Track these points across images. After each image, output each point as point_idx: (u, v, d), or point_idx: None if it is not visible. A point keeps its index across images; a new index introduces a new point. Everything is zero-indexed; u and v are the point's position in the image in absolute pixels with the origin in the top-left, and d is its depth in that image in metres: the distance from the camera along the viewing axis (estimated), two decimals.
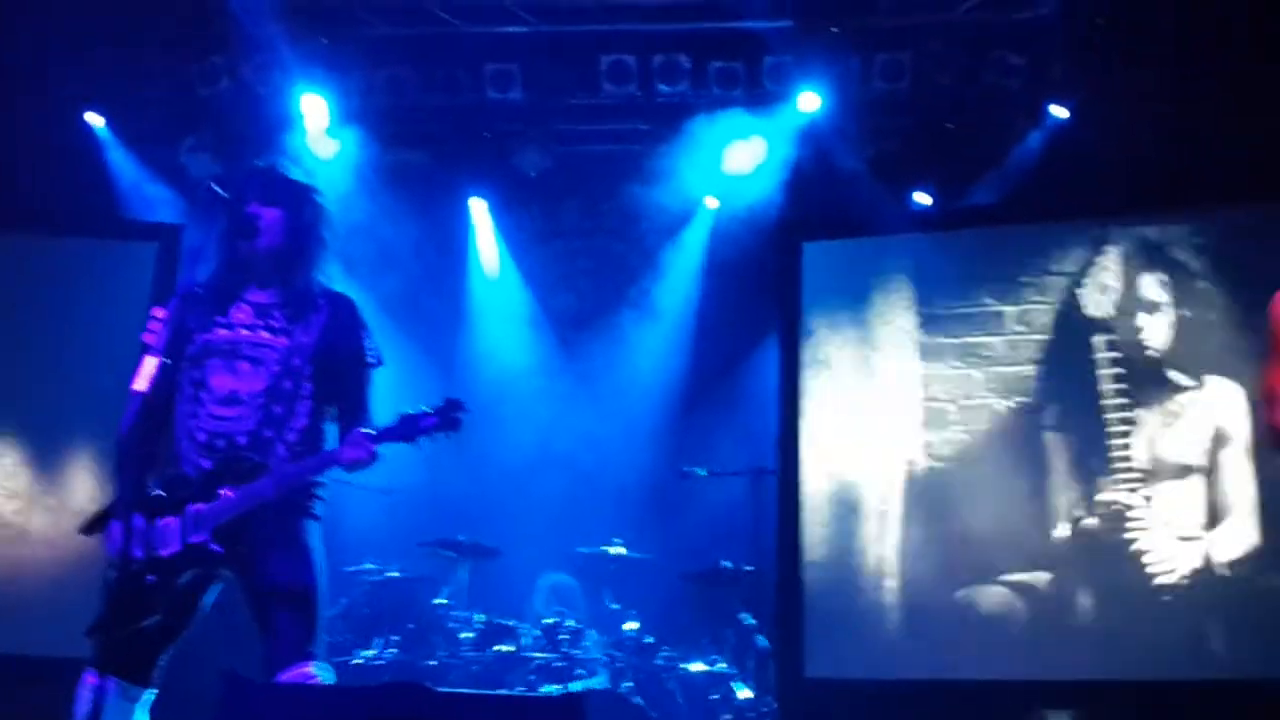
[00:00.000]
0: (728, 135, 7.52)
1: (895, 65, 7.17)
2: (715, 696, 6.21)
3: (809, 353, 7.33)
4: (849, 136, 7.42)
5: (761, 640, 6.54)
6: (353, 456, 3.43)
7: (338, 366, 3.59)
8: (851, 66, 7.19)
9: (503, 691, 5.45)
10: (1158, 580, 6.59)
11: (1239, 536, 6.53)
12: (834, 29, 7.05)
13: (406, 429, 3.44)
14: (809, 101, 7.27)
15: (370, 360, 3.65)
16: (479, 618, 6.30)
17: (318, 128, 7.41)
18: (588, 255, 8.37)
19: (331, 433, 3.60)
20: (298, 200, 3.67)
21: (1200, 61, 6.71)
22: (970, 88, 7.18)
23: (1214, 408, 6.69)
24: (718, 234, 8.01)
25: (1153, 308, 6.93)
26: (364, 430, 3.44)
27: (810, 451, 7.19)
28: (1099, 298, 7.05)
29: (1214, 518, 6.60)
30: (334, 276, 3.74)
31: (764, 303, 7.64)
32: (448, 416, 3.45)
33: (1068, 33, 6.80)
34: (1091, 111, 7.03)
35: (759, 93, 7.32)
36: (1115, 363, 6.92)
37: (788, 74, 7.22)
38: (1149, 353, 6.87)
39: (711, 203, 8.04)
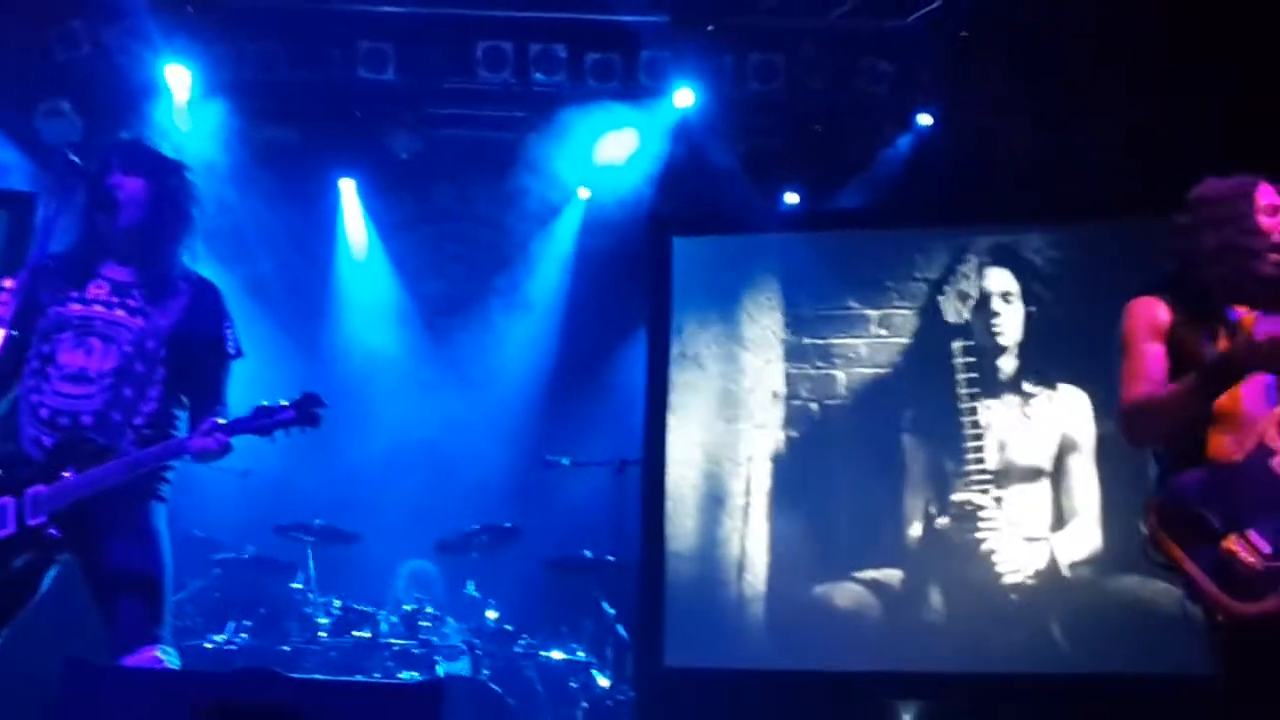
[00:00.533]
0: (602, 127, 7.54)
1: (769, 66, 7.28)
2: (574, 684, 6.24)
3: (677, 347, 7.38)
4: (722, 134, 7.52)
5: (621, 630, 6.58)
6: (202, 446, 3.35)
7: (195, 353, 3.50)
8: (726, 65, 7.28)
9: (359, 678, 5.39)
10: (1005, 579, 6.81)
11: (1083, 539, 6.79)
12: (710, 27, 7.13)
13: (261, 422, 3.38)
14: (684, 97, 7.34)
15: (230, 350, 3.57)
16: (336, 604, 6.22)
17: (182, 100, 7.21)
18: (458, 242, 8.30)
19: (183, 420, 3.51)
20: (162, 175, 3.57)
21: (1062, 74, 6.95)
22: (841, 92, 7.33)
23: (1062, 414, 6.93)
24: (589, 225, 8.03)
25: (1007, 316, 7.15)
26: (216, 420, 3.37)
27: (676, 444, 7.24)
28: (958, 304, 7.24)
29: (1060, 520, 6.85)
30: (199, 256, 3.65)
31: (634, 296, 7.68)
32: (305, 411, 3.39)
33: (935, 43, 6.99)
34: (957, 121, 7.24)
35: (634, 86, 7.36)
36: (970, 368, 7.12)
37: (663, 69, 7.28)
38: (1002, 360, 7.09)
39: (584, 194, 8.06)
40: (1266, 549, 3.36)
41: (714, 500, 7.20)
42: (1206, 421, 3.59)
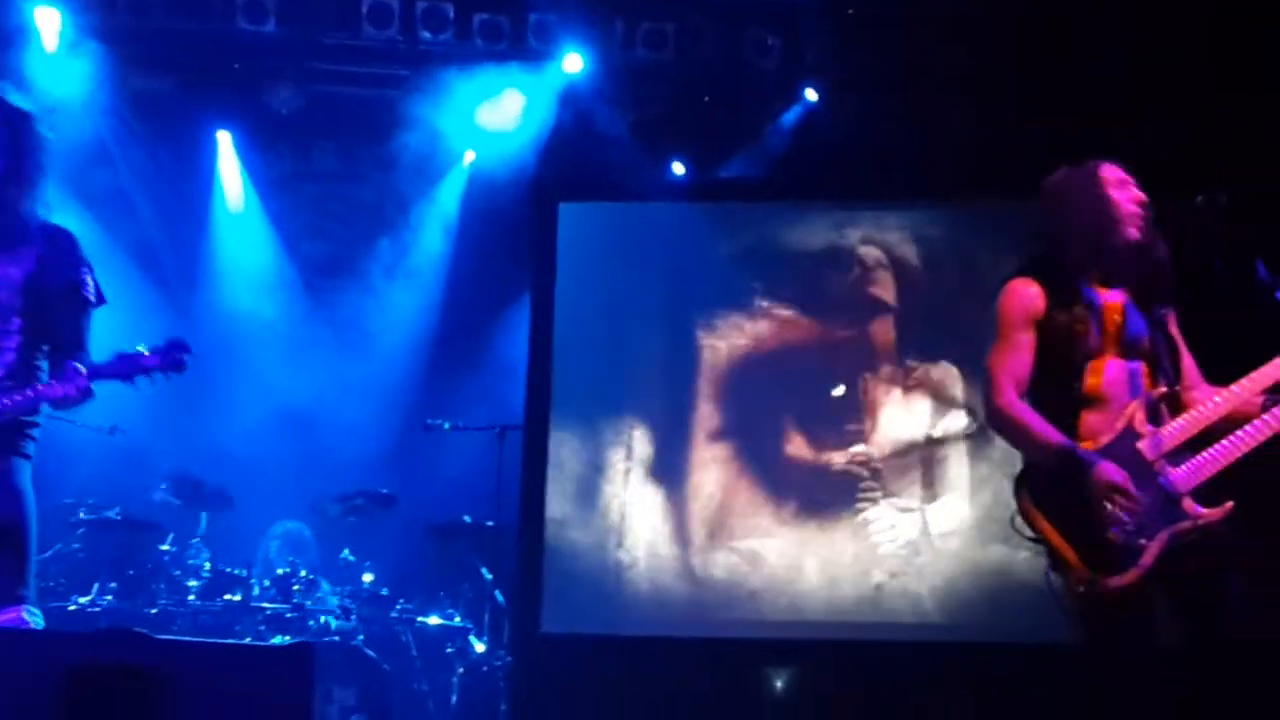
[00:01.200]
0: (489, 89, 7.44)
1: (659, 34, 7.26)
2: (450, 650, 6.22)
3: (561, 312, 7.36)
4: (610, 101, 7.47)
5: (499, 595, 6.57)
6: (62, 392, 3.26)
7: (52, 302, 3.38)
8: (615, 31, 7.25)
9: (228, 641, 5.28)
10: (880, 549, 6.96)
11: (953, 510, 6.97)
12: None
13: (124, 367, 3.29)
14: (572, 62, 7.29)
15: (88, 297, 3.45)
16: (206, 566, 6.09)
17: (51, 45, 6.93)
18: (340, 201, 8.13)
19: (46, 371, 3.40)
20: (15, 125, 3.44)
21: (945, 55, 7.05)
22: (729, 63, 7.35)
23: (938, 388, 7.09)
24: (474, 188, 7.93)
25: (884, 291, 7.28)
26: (76, 366, 3.27)
27: (558, 410, 7.24)
28: (840, 277, 7.34)
29: (932, 492, 7.01)
30: (56, 208, 3.53)
31: (518, 261, 7.63)
32: (170, 357, 3.31)
33: (822, 18, 7.04)
34: (842, 96, 7.31)
35: (522, 49, 7.27)
36: (850, 341, 7.24)
37: (552, 33, 7.22)
38: (877, 334, 7.21)
39: (469, 156, 7.96)
40: (1131, 525, 3.50)
41: (594, 468, 7.22)
42: (1079, 404, 3.73)
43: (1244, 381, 3.70)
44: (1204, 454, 3.59)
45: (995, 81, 6.98)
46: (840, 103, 7.29)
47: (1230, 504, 3.52)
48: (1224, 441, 3.61)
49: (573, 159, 7.54)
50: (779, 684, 6.99)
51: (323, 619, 6.00)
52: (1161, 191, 4.14)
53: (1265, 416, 3.56)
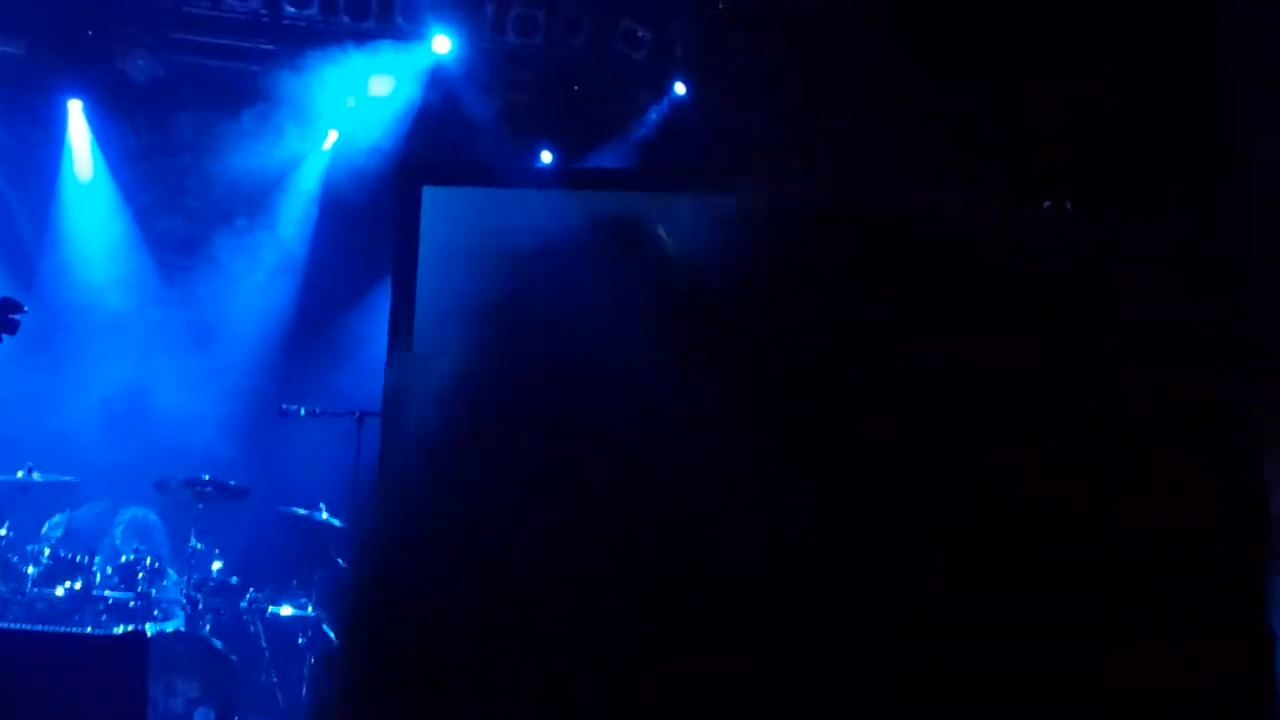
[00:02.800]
0: (355, 68, 7.30)
1: (529, 20, 7.22)
2: (302, 640, 6.09)
3: (423, 298, 7.26)
4: (479, 85, 7.41)
5: None
6: None
7: None
8: (486, 15, 7.18)
9: (63, 629, 5.10)
10: None
11: None
12: None
13: None
14: (441, 44, 7.20)
15: None
16: (46, 553, 5.86)
17: None
18: (197, 177, 7.89)
19: None
20: None
21: (816, 52, 7.14)
22: (600, 53, 7.34)
23: None
24: (337, 169, 7.78)
25: None
26: None
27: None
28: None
29: None
30: None
31: (381, 244, 7.50)
32: (0, 317, 3.19)
33: (693, 12, 7.08)
34: (710, 91, 7.35)
35: (390, 28, 7.17)
36: None
37: (420, 13, 7.12)
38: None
39: (333, 135, 7.80)
40: None
41: None
42: None
43: None
44: None
45: (865, 80, 7.10)
46: (709, 96, 7.33)
47: None
48: None
49: (439, 142, 7.45)
50: None
51: (168, 608, 5.83)
52: (1009, 196, 4.26)
53: None
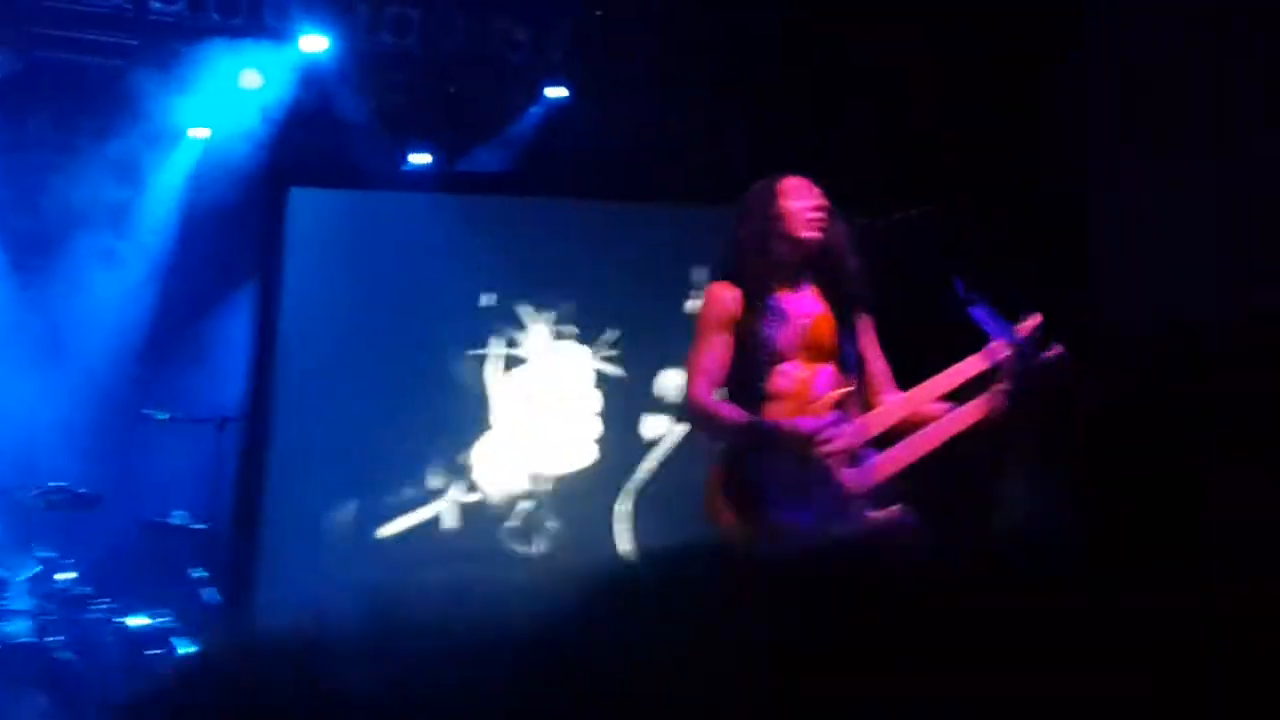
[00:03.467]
0: (223, 66, 7.11)
1: (404, 20, 7.12)
2: (156, 651, 5.91)
3: (288, 300, 7.11)
4: (351, 85, 7.27)
5: (212, 594, 6.29)
6: None
7: None
8: (360, 15, 7.06)
9: None
10: None
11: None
12: None
13: None
14: (312, 43, 7.05)
15: None
16: None
17: None
18: (56, 174, 7.61)
19: None
20: None
21: (690, 61, 7.15)
22: (476, 54, 7.26)
23: (665, 390, 7.17)
24: (203, 168, 7.56)
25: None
26: None
27: (283, 402, 6.98)
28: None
29: None
30: None
31: (245, 245, 7.33)
32: None
33: (571, 16, 7.05)
34: (588, 96, 7.32)
35: (260, 26, 7.00)
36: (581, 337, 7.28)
37: (292, 11, 6.97)
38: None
39: (199, 134, 7.59)
40: (809, 523, 3.62)
41: (320, 460, 7.00)
42: (766, 402, 3.84)
43: (923, 386, 3.86)
44: (880, 456, 3.73)
45: (736, 89, 7.12)
46: (586, 102, 7.30)
47: (898, 507, 3.68)
48: (900, 445, 3.76)
49: (309, 143, 7.29)
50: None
51: (14, 619, 5.61)
52: (871, 205, 4.30)
53: (940, 422, 3.72)
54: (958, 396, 3.79)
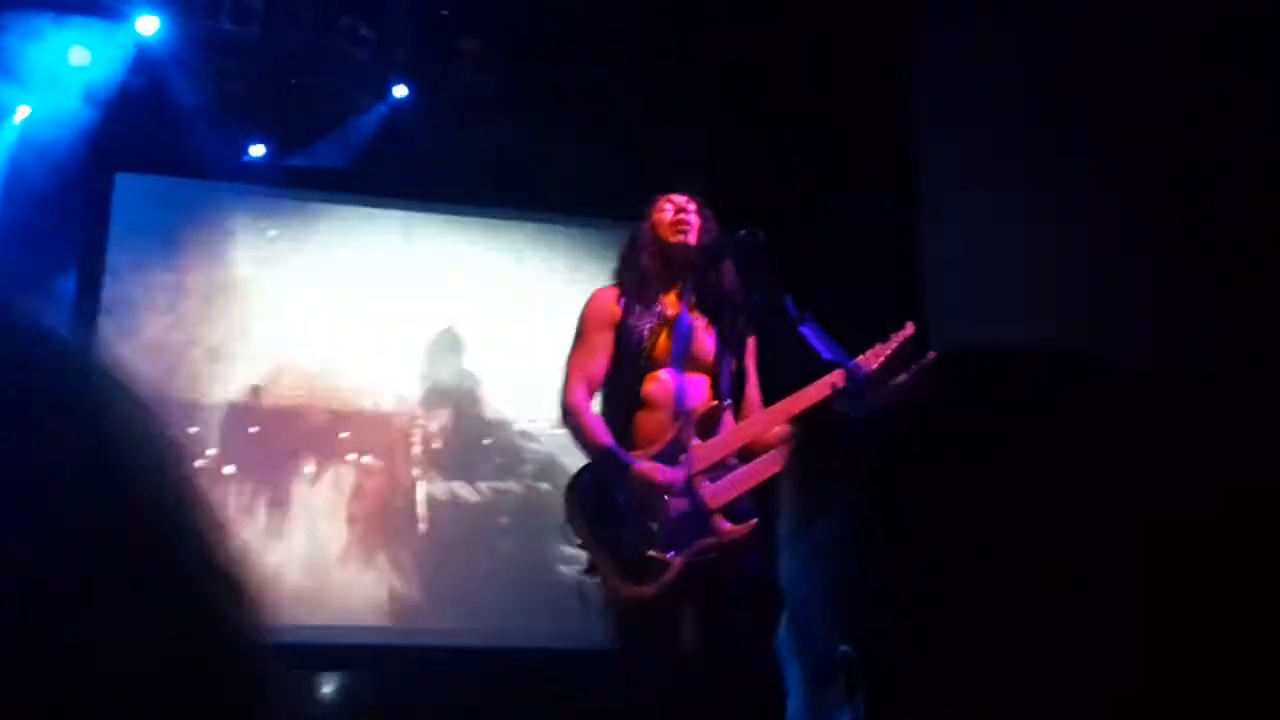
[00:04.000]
0: (51, 43, 6.82)
1: (246, 9, 6.93)
2: None
3: (109, 289, 6.85)
4: (188, 71, 7.05)
5: None
6: None
7: None
8: None
9: None
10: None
11: None
12: None
13: None
14: (148, 24, 6.82)
15: None
16: None
17: None
18: None
19: None
20: None
21: (544, 70, 7.14)
22: (321, 48, 7.12)
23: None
24: (23, 148, 7.22)
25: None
26: None
27: None
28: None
29: None
30: None
31: (66, 230, 7.03)
32: None
33: (417, 15, 6.97)
34: (431, 97, 7.25)
35: (93, 3, 6.74)
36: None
37: None
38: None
39: (22, 112, 7.25)
40: (662, 537, 3.65)
41: None
42: (635, 409, 3.87)
43: (772, 409, 3.94)
44: (733, 473, 3.80)
45: (581, 106, 7.13)
46: (428, 103, 7.22)
47: (755, 521, 3.75)
48: (752, 463, 3.83)
49: (139, 127, 7.03)
50: (325, 690, 6.79)
51: None
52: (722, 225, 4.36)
53: (782, 448, 3.80)
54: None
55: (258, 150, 7.37)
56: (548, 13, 7.02)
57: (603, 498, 3.81)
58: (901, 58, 6.05)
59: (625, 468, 3.75)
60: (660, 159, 6.55)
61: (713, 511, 3.75)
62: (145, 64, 6.95)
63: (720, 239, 4.20)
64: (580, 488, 3.90)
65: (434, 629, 6.78)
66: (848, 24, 6.18)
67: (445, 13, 6.88)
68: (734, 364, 4.09)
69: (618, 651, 3.83)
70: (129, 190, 7.01)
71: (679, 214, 4.11)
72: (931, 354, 3.79)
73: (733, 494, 3.79)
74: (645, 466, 3.76)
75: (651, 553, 3.67)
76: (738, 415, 4.07)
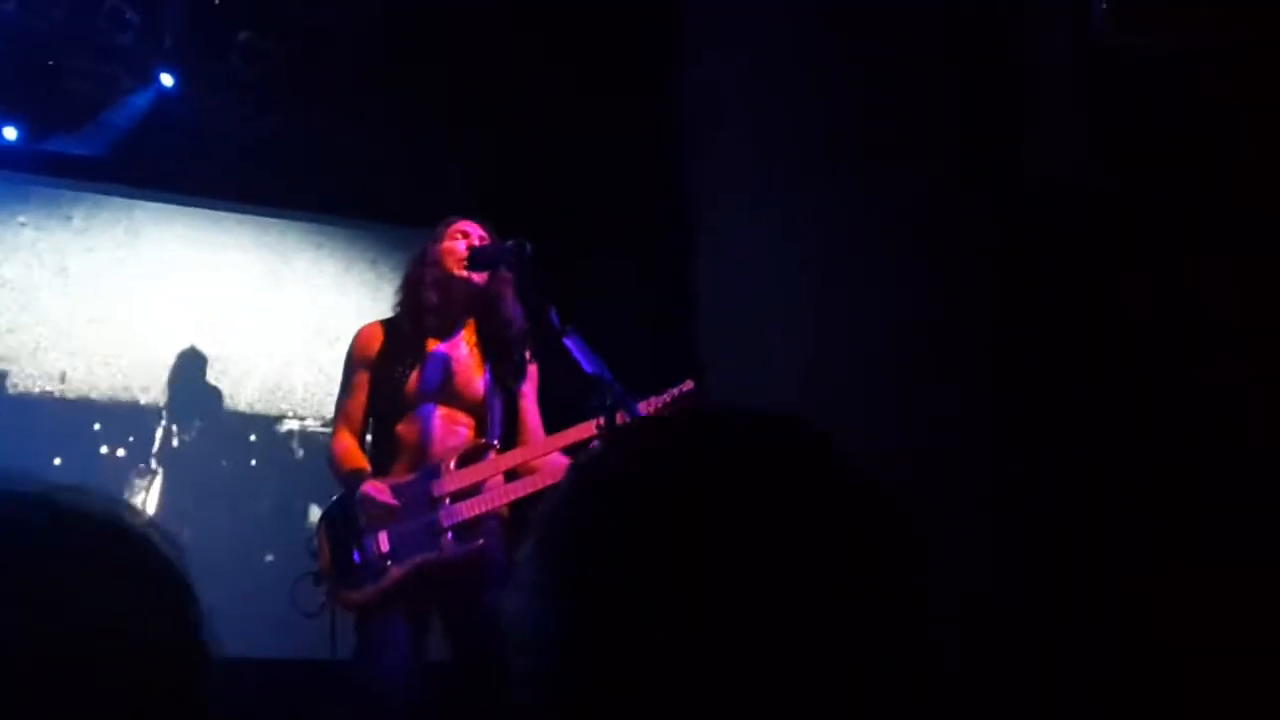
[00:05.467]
0: None
1: None
2: None
3: None
4: None
5: None
6: None
7: None
8: None
9: None
10: None
11: None
12: None
13: None
14: None
15: None
16: None
17: None
18: None
19: None
20: None
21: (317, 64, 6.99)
22: (81, 30, 6.80)
23: None
24: None
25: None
26: None
27: None
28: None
29: None
30: None
31: None
32: None
33: (185, 3, 6.76)
34: (198, 89, 7.02)
35: None
36: None
37: None
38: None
39: None
40: (385, 548, 3.69)
41: None
42: (398, 445, 3.87)
43: (544, 440, 3.96)
44: (473, 499, 3.84)
45: (360, 102, 7.02)
46: (195, 94, 6.99)
47: (480, 542, 3.79)
48: (496, 488, 3.87)
49: None
50: None
51: None
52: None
53: (526, 477, 3.85)
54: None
55: (10, 133, 6.99)
56: (324, 5, 6.89)
57: (349, 511, 3.85)
58: (673, 73, 6.15)
59: (355, 486, 3.81)
60: (435, 160, 6.50)
61: (444, 529, 3.80)
62: None
63: (487, 248, 4.19)
64: (332, 508, 3.95)
65: None
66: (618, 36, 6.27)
67: (217, 2, 6.67)
68: (505, 399, 4.10)
69: (351, 661, 3.85)
70: None
71: (468, 249, 4.08)
72: (688, 383, 3.89)
73: (469, 514, 3.84)
74: (371, 486, 3.82)
75: (359, 559, 3.74)
76: (508, 449, 4.09)
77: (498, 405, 4.06)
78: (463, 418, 4.03)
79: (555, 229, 5.52)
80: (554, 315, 4.05)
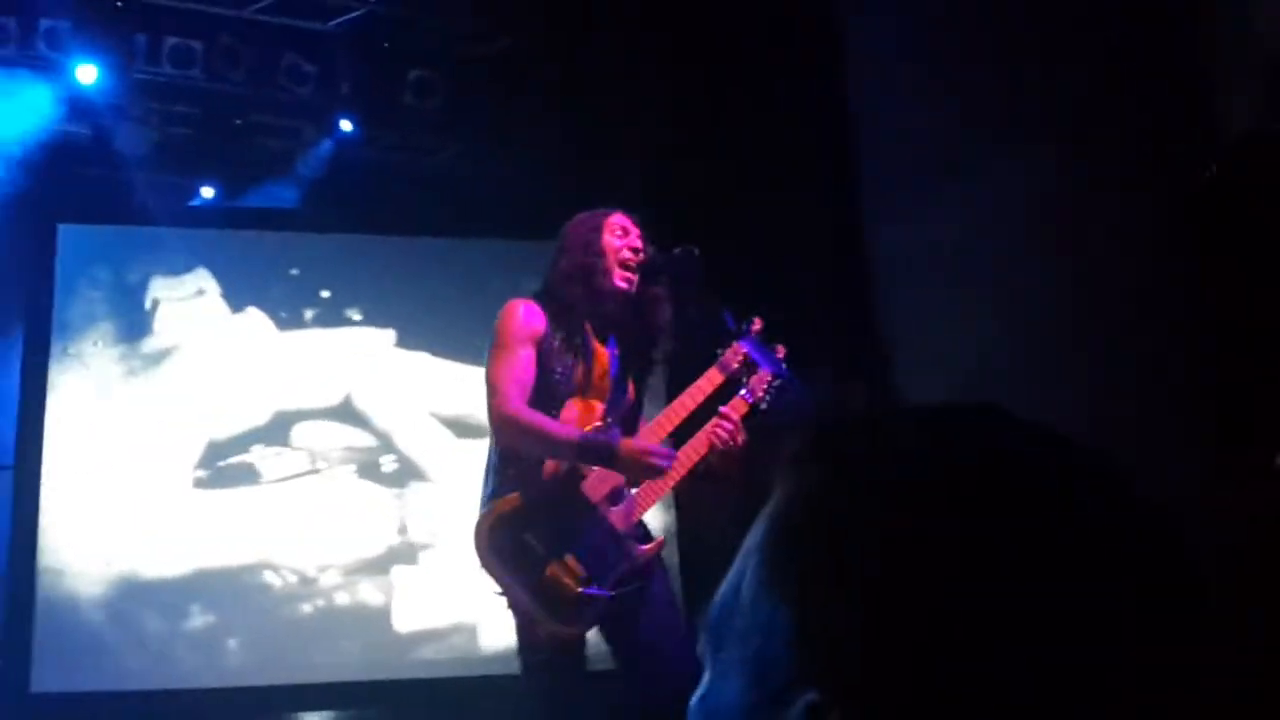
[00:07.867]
0: None
1: (186, 52, 6.88)
2: None
3: (60, 345, 6.79)
4: (129, 118, 7.01)
5: None
6: None
7: None
8: (138, 45, 6.81)
9: None
10: None
11: None
12: (119, 2, 6.65)
13: None
14: (87, 74, 6.77)
15: None
16: None
17: None
18: None
19: None
20: None
21: (480, 96, 7.13)
22: (263, 87, 7.09)
23: None
24: None
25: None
26: None
27: (56, 449, 6.64)
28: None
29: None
30: None
31: (10, 287, 6.97)
32: None
33: (358, 50, 6.95)
34: (377, 130, 7.24)
35: (31, 55, 6.69)
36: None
37: (65, 40, 6.68)
38: None
39: None
40: (583, 573, 3.57)
41: (104, 509, 6.70)
42: None
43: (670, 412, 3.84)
44: (632, 496, 3.72)
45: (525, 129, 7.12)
46: (375, 136, 7.21)
47: (661, 539, 3.70)
48: (644, 485, 3.75)
49: (81, 176, 7.01)
50: None
51: None
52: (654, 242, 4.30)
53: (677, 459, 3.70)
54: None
55: (208, 193, 7.35)
56: (486, 37, 7.03)
57: (516, 536, 3.66)
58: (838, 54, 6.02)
59: (609, 445, 3.60)
60: (597, 176, 6.53)
61: (624, 536, 3.69)
62: (87, 112, 6.90)
63: (656, 257, 4.06)
64: (489, 530, 3.71)
65: None
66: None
67: (386, 45, 6.86)
68: (631, 390, 3.98)
69: (542, 692, 3.74)
70: (73, 241, 6.98)
71: (632, 259, 3.91)
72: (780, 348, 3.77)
73: (636, 515, 3.73)
74: (630, 442, 3.64)
75: (589, 592, 3.57)
76: None
77: (625, 404, 3.94)
78: (597, 407, 3.89)
79: (726, 230, 5.46)
80: (729, 317, 3.96)
